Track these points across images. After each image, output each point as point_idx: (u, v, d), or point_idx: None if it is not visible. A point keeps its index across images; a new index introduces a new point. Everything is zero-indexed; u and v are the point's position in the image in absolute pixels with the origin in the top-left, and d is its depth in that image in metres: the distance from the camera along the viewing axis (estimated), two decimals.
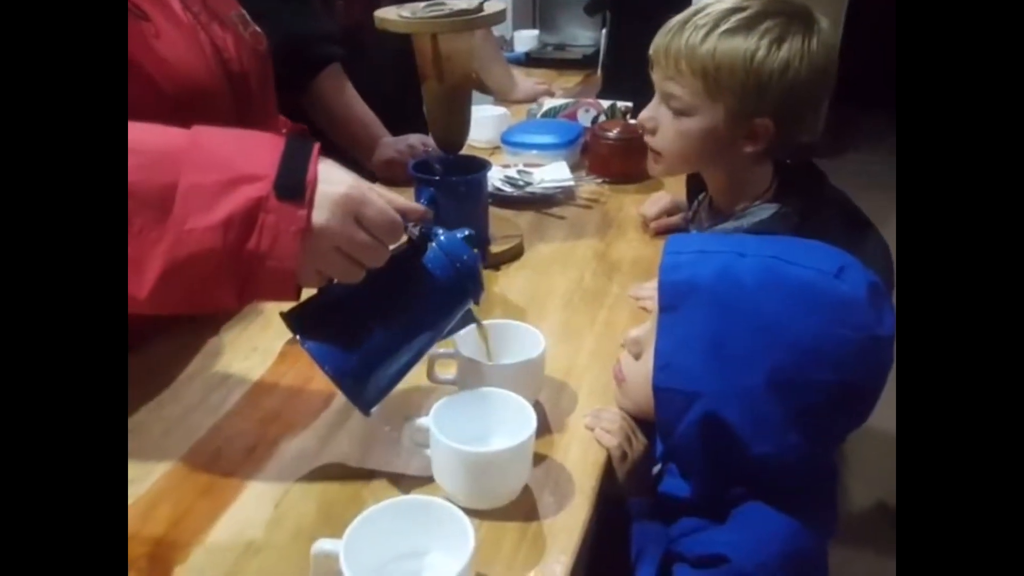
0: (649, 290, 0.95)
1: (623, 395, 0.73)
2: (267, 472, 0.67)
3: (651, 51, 0.91)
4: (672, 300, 0.62)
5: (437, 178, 1.00)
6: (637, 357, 0.69)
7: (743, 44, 0.83)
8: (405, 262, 0.64)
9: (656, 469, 0.73)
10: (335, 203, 0.57)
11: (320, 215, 0.56)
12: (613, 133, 1.34)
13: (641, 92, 1.53)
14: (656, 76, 0.92)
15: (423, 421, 0.64)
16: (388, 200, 0.61)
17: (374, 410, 0.64)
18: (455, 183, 1.00)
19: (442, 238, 0.65)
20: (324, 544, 0.52)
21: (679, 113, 0.90)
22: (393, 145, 1.34)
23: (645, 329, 0.69)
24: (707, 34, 0.84)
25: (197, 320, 0.88)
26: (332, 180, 0.58)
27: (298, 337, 0.61)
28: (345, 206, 0.57)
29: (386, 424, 0.71)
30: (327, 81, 1.34)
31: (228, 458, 0.68)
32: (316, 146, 0.59)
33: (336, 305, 0.63)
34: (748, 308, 0.59)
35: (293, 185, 0.56)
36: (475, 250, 0.66)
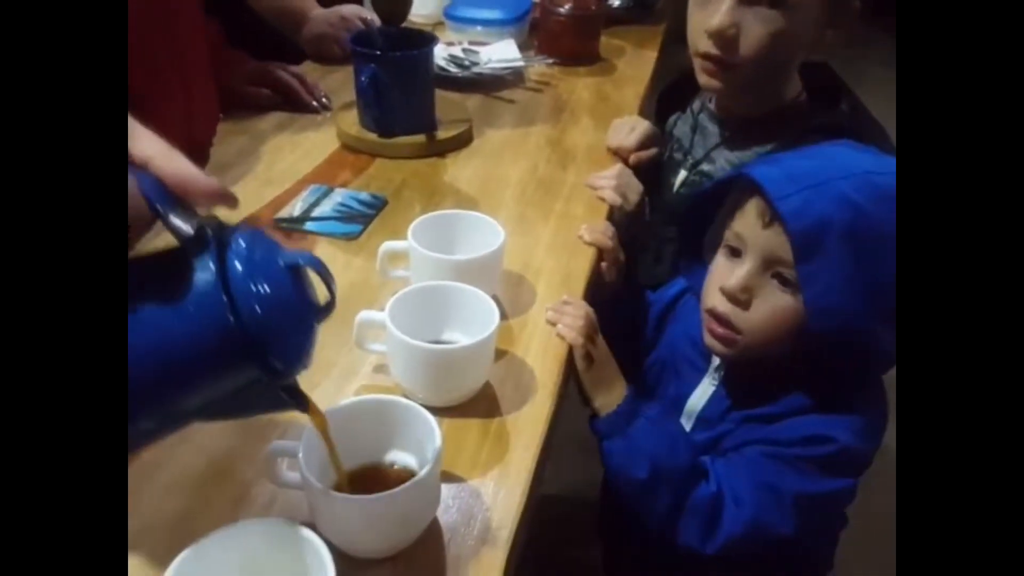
0: (607, 179, 0.92)
1: (734, 348, 0.66)
2: None
3: None
4: (810, 246, 0.59)
5: (378, 53, 0.91)
6: (747, 307, 0.64)
7: None
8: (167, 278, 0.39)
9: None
10: None
11: None
12: (564, 8, 1.25)
13: None
14: None
15: (377, 316, 0.60)
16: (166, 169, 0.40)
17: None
18: (399, 59, 0.92)
19: (239, 257, 0.39)
20: (280, 445, 0.49)
21: (773, 7, 0.76)
22: (324, 18, 1.22)
23: (744, 275, 0.63)
24: None
25: None
26: None
27: None
28: None
29: (337, 320, 0.67)
30: None
31: None
32: None
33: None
34: (876, 230, 0.58)
35: None
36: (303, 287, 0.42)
